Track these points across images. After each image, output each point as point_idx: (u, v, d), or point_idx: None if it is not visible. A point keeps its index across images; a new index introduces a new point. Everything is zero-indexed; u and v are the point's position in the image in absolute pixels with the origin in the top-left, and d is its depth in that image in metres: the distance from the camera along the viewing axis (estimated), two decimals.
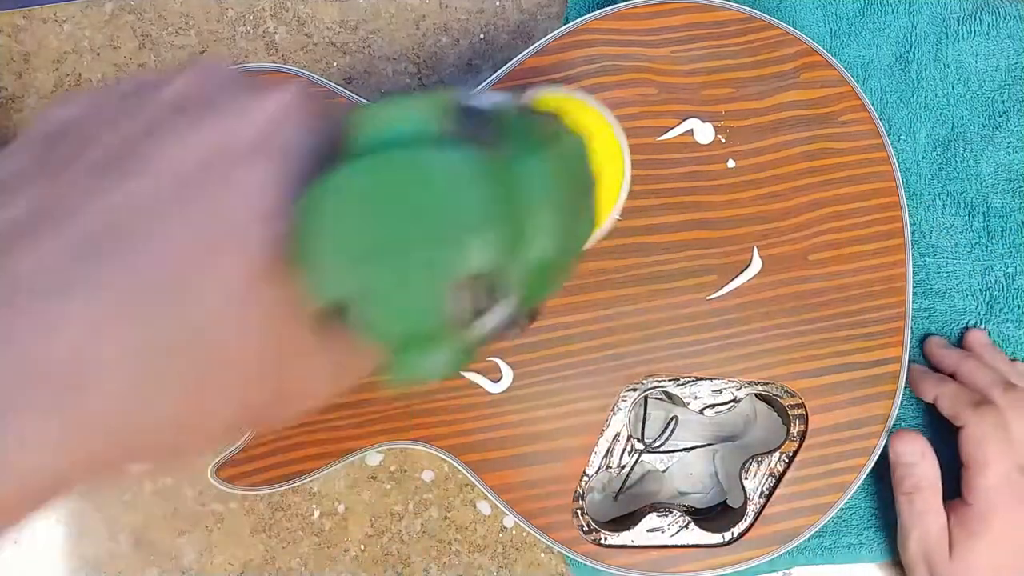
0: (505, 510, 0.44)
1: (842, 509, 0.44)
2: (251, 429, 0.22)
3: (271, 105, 0.20)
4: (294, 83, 0.21)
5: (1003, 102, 0.50)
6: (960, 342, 0.49)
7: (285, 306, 0.20)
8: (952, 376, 0.46)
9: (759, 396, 0.46)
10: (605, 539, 0.44)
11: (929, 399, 0.45)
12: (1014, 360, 0.48)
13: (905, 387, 0.45)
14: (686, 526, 0.44)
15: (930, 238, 0.49)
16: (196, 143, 0.19)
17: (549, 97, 0.29)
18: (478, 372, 0.44)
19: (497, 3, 0.51)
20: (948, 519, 0.43)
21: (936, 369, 0.47)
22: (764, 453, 0.44)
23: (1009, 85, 0.50)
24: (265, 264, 0.19)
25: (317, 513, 0.48)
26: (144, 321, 0.18)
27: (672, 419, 0.47)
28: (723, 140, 0.44)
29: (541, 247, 0.20)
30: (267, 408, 0.21)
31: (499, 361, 0.44)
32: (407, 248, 0.18)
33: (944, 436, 0.45)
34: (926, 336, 0.49)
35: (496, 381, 0.44)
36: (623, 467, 0.46)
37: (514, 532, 0.49)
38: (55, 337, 0.17)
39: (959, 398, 0.44)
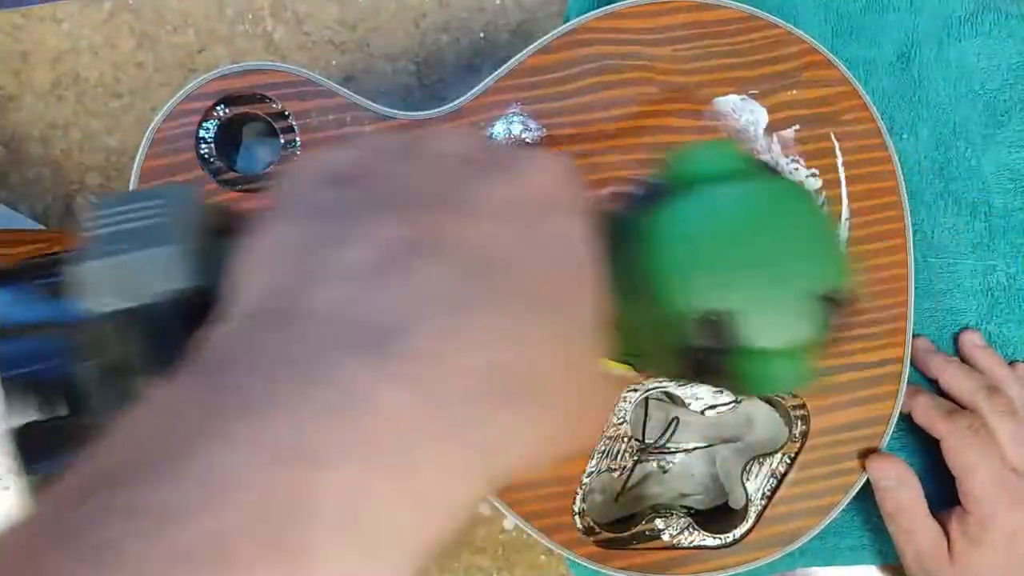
0: (505, 512, 0.44)
1: (844, 510, 0.44)
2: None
3: (557, 167, 0.21)
4: (559, 153, 0.22)
5: (1005, 101, 0.50)
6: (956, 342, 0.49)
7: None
8: (937, 382, 0.46)
9: (760, 397, 0.46)
10: (606, 541, 0.44)
11: (905, 411, 0.45)
12: (1013, 363, 0.48)
13: (907, 387, 0.44)
14: (687, 528, 0.44)
15: (932, 238, 0.49)
16: (518, 188, 0.20)
17: None
18: None
19: (497, 1, 0.51)
20: (951, 524, 0.42)
21: (922, 373, 0.47)
22: (766, 454, 0.44)
23: (1011, 84, 0.50)
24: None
25: None
26: (546, 339, 0.19)
27: (673, 420, 0.47)
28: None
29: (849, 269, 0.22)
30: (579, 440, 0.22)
31: None
32: (778, 263, 0.19)
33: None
34: (918, 338, 0.48)
35: None
36: (624, 468, 0.46)
37: (514, 534, 0.48)
38: (504, 346, 0.17)
39: (932, 410, 0.44)
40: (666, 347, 0.21)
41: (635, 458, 0.46)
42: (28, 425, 0.24)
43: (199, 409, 0.16)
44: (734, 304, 0.19)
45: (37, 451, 0.23)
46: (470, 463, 0.17)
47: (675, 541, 0.44)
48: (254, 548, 0.14)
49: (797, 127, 0.44)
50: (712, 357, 0.20)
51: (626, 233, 0.21)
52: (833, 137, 0.45)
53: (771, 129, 0.44)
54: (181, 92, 0.42)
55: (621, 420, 0.44)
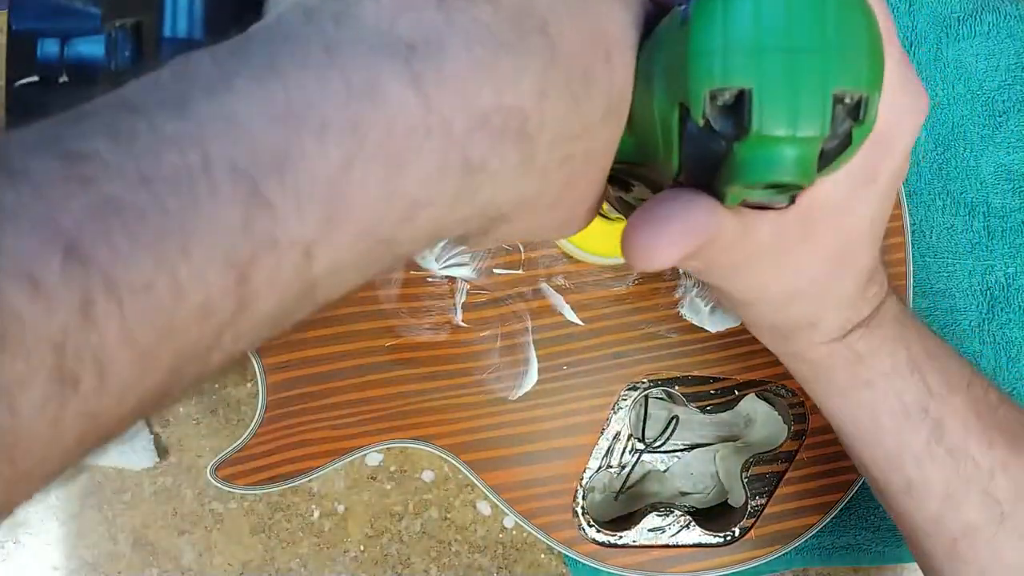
0: (505, 509, 0.44)
1: (842, 509, 0.44)
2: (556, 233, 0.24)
3: None
4: None
5: (1003, 102, 0.50)
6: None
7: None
8: None
9: (759, 395, 0.46)
10: (605, 539, 0.44)
11: None
12: None
13: None
14: (687, 526, 0.44)
15: (930, 238, 0.49)
16: None
17: None
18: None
19: None
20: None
21: None
22: (765, 452, 0.44)
23: (1009, 85, 0.50)
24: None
25: (317, 513, 0.48)
26: (564, 100, 0.19)
27: (673, 418, 0.47)
28: None
29: (881, 87, 0.21)
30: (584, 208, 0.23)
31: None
32: (803, 50, 0.20)
33: None
34: None
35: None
36: (624, 467, 0.46)
37: (514, 532, 0.48)
38: (502, 89, 0.18)
39: None
40: (672, 136, 0.21)
41: (635, 457, 0.46)
42: (25, 86, 0.23)
43: (217, 68, 0.17)
44: (757, 83, 0.20)
45: (27, 116, 0.23)
46: (457, 182, 0.18)
47: (674, 539, 0.44)
48: (228, 187, 0.15)
49: None
50: (717, 142, 0.21)
51: (671, 16, 0.22)
52: None
53: None
54: None
55: (621, 419, 0.44)
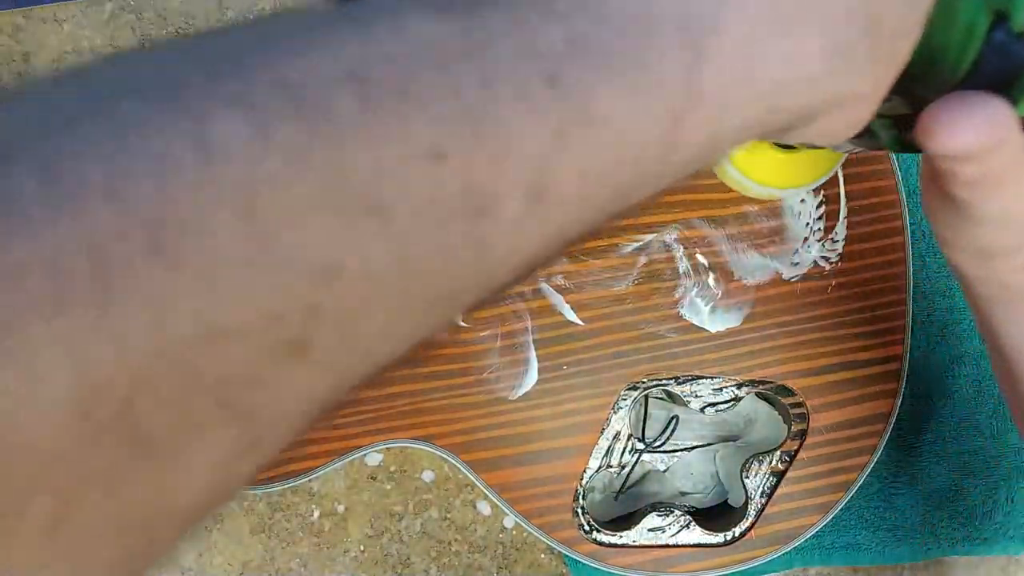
0: (505, 509, 0.44)
1: (842, 509, 0.44)
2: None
3: None
4: None
5: None
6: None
7: None
8: None
9: (760, 395, 0.46)
10: (605, 539, 0.44)
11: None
12: None
13: (906, 386, 0.44)
14: (687, 526, 0.44)
15: (930, 238, 0.49)
16: None
17: None
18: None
19: None
20: None
21: None
22: (765, 452, 0.44)
23: None
24: None
25: (316, 513, 0.48)
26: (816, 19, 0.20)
27: (673, 418, 0.47)
28: None
29: None
30: None
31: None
32: None
33: (954, 433, 0.45)
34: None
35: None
36: (624, 467, 0.46)
37: (514, 532, 0.48)
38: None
39: None
40: (971, 42, 0.21)
41: (635, 457, 0.46)
42: None
43: None
44: None
45: None
46: (827, 64, 0.19)
47: (674, 539, 0.44)
48: (675, 36, 0.16)
49: None
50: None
51: None
52: None
53: None
54: None
55: (621, 419, 0.44)
